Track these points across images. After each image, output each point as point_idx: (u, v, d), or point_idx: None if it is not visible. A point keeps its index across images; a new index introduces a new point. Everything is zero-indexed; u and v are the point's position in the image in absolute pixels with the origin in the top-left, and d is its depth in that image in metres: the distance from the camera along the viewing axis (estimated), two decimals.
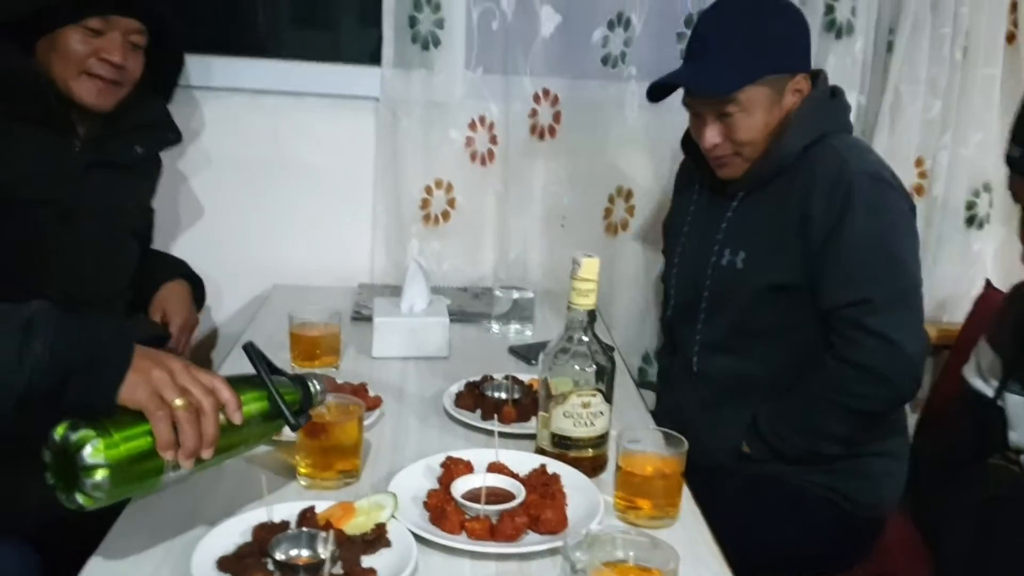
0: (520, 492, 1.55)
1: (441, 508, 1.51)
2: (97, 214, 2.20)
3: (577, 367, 1.69)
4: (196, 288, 2.54)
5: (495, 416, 1.88)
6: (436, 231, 2.91)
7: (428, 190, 2.87)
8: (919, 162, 2.90)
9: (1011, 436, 2.02)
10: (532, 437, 1.79)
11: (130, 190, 2.36)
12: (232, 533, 1.43)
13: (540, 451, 1.74)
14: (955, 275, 3.00)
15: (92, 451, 1.28)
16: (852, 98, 2.77)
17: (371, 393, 1.97)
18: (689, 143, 2.34)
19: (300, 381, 1.57)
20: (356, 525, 1.45)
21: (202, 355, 2.93)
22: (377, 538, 1.42)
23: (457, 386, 2.05)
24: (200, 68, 2.74)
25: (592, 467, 1.71)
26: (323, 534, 1.37)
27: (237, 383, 1.47)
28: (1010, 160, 1.90)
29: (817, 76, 2.19)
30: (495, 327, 2.56)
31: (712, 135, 2.12)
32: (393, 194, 2.86)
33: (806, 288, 2.08)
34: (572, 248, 1.79)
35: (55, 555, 1.69)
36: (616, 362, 1.77)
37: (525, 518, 1.49)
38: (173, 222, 2.83)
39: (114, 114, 2.22)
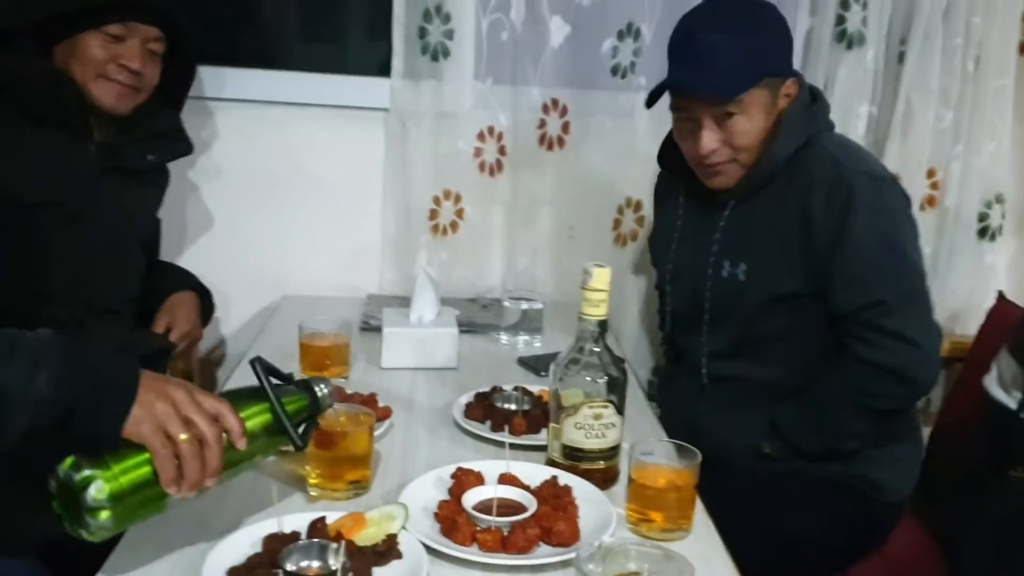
0: (531, 504, 1.54)
1: (452, 519, 1.50)
2: (107, 219, 2.20)
3: (588, 378, 1.68)
4: (204, 301, 2.53)
5: (505, 427, 1.87)
6: (444, 242, 2.90)
7: (437, 200, 2.86)
8: (931, 173, 2.88)
9: None
10: (542, 449, 1.78)
11: (140, 198, 2.36)
12: (242, 544, 1.42)
13: (551, 463, 1.73)
14: (967, 287, 2.98)
15: (95, 492, 1.29)
16: (864, 108, 2.78)
17: (381, 404, 1.96)
18: (667, 155, 2.33)
19: (306, 387, 1.56)
20: (367, 536, 1.45)
21: (211, 367, 2.93)
22: (388, 549, 1.41)
23: (467, 397, 2.05)
24: (211, 79, 2.74)
25: (604, 479, 1.70)
26: (334, 545, 1.37)
27: (242, 398, 1.47)
28: None
29: (800, 79, 2.18)
30: (504, 338, 2.55)
31: (710, 141, 2.08)
32: (402, 205, 2.85)
33: (813, 295, 2.08)
34: (581, 259, 1.79)
35: (64, 569, 1.68)
36: (627, 373, 1.76)
37: (537, 530, 1.48)
38: (182, 233, 2.83)
39: (129, 121, 2.22)
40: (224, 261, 2.82)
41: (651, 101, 2.18)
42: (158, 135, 2.32)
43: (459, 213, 2.89)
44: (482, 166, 2.87)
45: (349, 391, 1.99)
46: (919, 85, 2.80)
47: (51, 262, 2.09)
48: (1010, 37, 2.84)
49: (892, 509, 2.19)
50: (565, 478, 1.64)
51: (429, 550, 1.43)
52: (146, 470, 1.33)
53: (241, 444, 1.41)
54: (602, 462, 1.70)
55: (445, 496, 1.60)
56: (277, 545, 1.39)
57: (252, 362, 1.51)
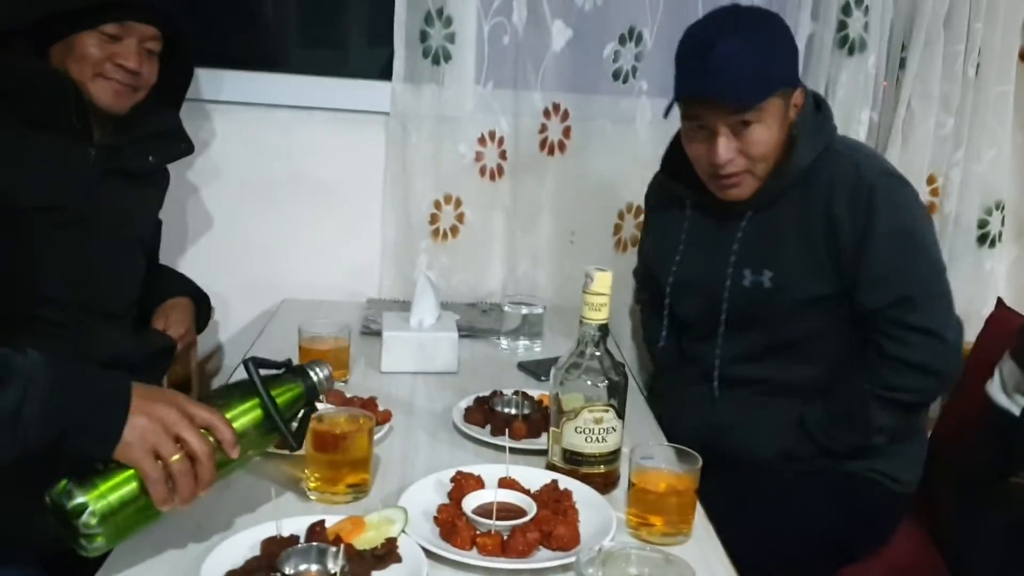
0: (531, 508, 1.53)
1: (452, 523, 1.49)
2: (108, 222, 2.18)
3: (589, 382, 1.67)
4: (201, 307, 2.52)
5: (505, 431, 1.86)
6: (445, 246, 2.90)
7: (437, 205, 2.86)
8: (931, 179, 2.89)
9: None
10: (543, 453, 1.78)
11: (141, 200, 2.34)
12: (240, 547, 1.41)
13: (551, 467, 1.73)
14: (967, 294, 2.97)
15: (88, 519, 1.31)
16: (864, 114, 2.78)
17: (380, 407, 1.96)
18: (671, 164, 2.33)
19: (301, 373, 1.56)
20: (366, 540, 1.44)
21: (210, 371, 2.92)
22: (387, 553, 1.40)
23: (466, 401, 2.04)
24: (211, 82, 2.75)
25: (604, 483, 1.69)
26: (333, 549, 1.36)
27: (235, 396, 1.48)
28: None
29: (804, 87, 2.19)
30: (504, 343, 2.55)
31: (726, 150, 2.07)
32: (402, 209, 2.85)
33: (840, 296, 2.12)
34: (581, 264, 1.78)
35: (62, 571, 1.67)
36: (628, 377, 1.76)
37: (537, 534, 1.47)
38: (182, 236, 2.83)
39: (128, 122, 2.20)
40: (224, 264, 2.82)
41: (669, 110, 2.18)
42: (158, 136, 2.30)
43: (460, 217, 2.89)
44: (483, 170, 2.87)
45: (349, 395, 1.99)
46: (920, 91, 2.81)
47: (50, 266, 2.08)
48: (1011, 43, 2.85)
49: (899, 499, 2.22)
50: (565, 482, 1.63)
51: (428, 554, 1.43)
52: (136, 486, 1.34)
53: (234, 454, 1.42)
54: (602, 466, 1.70)
55: (445, 500, 1.59)
56: (275, 549, 1.38)
57: (245, 363, 1.51)
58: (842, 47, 2.78)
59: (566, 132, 2.88)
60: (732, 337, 2.23)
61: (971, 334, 2.76)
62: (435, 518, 1.53)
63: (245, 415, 1.47)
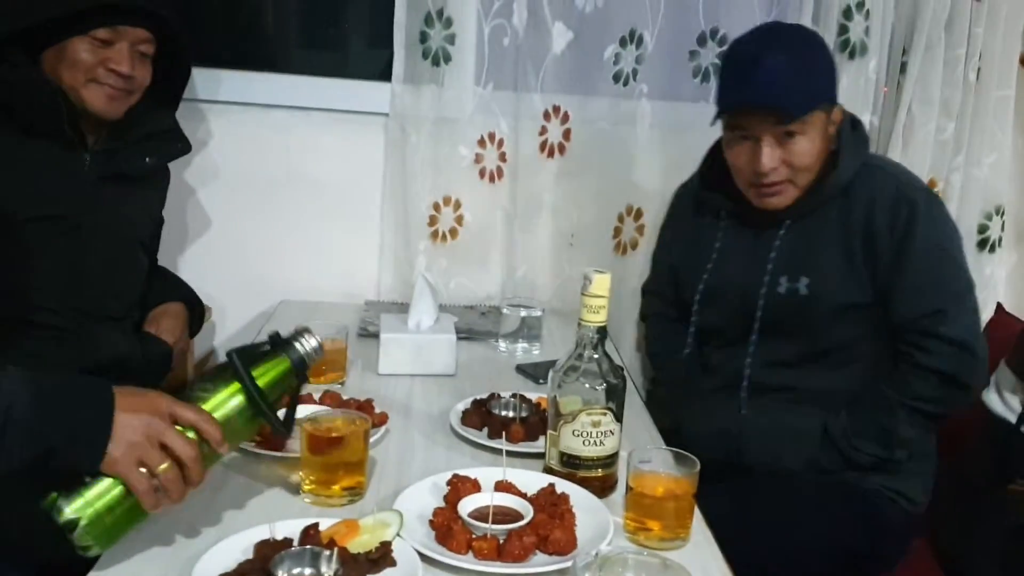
0: (528, 512, 1.52)
1: (447, 527, 1.49)
2: (107, 228, 2.18)
3: (587, 385, 1.67)
4: (194, 313, 2.50)
5: (502, 434, 1.84)
6: (444, 248, 2.89)
7: (436, 207, 2.85)
8: (931, 184, 2.86)
9: None
10: (540, 456, 1.77)
11: (140, 202, 2.33)
12: (233, 550, 1.41)
13: (548, 470, 1.72)
14: None
15: (80, 533, 1.33)
16: (865, 119, 2.76)
17: (377, 409, 1.95)
18: (710, 174, 2.36)
19: (287, 346, 1.55)
20: (360, 543, 1.43)
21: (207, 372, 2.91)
22: (381, 556, 1.39)
23: (464, 404, 2.03)
24: (210, 82, 2.74)
25: (602, 487, 1.69)
26: (326, 552, 1.35)
27: (220, 384, 1.47)
28: None
29: (842, 107, 2.25)
30: (502, 345, 2.54)
31: (770, 159, 2.11)
32: (401, 211, 2.84)
33: (874, 305, 2.15)
34: (581, 267, 1.78)
35: (53, 571, 1.66)
36: (627, 380, 1.75)
37: (533, 538, 1.46)
38: (180, 237, 2.82)
39: (122, 125, 2.19)
40: (222, 265, 2.81)
41: (717, 119, 2.20)
42: (154, 136, 2.29)
43: (458, 219, 2.88)
44: (482, 172, 2.86)
45: (345, 397, 1.99)
46: (920, 95, 2.80)
47: (47, 273, 2.07)
48: (1012, 48, 2.84)
49: (911, 520, 2.21)
50: (562, 486, 1.63)
51: (424, 558, 1.42)
52: (124, 492, 1.36)
53: (222, 450, 1.42)
54: (600, 470, 1.69)
55: (441, 503, 1.58)
56: (269, 552, 1.37)
57: (228, 354, 1.50)
58: (843, 51, 2.77)
59: (566, 134, 2.87)
60: (763, 345, 2.24)
61: None
62: (431, 521, 1.52)
63: (229, 403, 1.46)
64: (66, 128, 2.08)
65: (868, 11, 2.75)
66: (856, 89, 2.78)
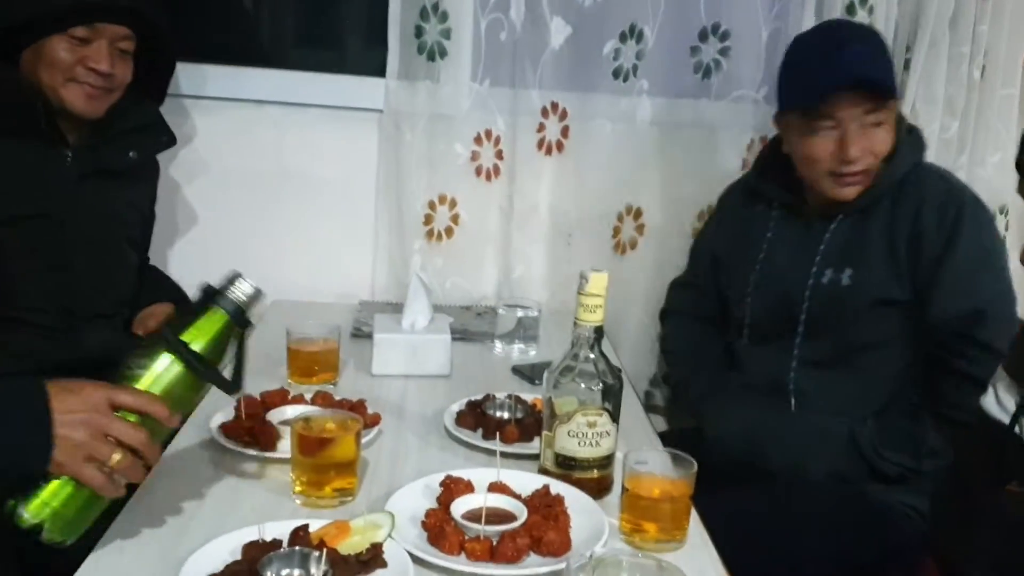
0: (522, 513, 1.51)
1: (440, 528, 1.47)
2: (92, 225, 2.16)
3: (583, 385, 1.65)
4: None
5: (497, 435, 1.83)
6: (439, 248, 2.86)
7: (431, 205, 2.82)
8: None
9: None
10: (535, 458, 1.75)
11: (126, 198, 2.31)
12: (221, 551, 1.39)
13: (543, 471, 1.70)
14: None
15: (45, 535, 1.33)
16: None
17: (370, 410, 1.92)
18: (768, 168, 2.37)
19: (220, 297, 1.52)
20: (351, 544, 1.41)
21: None
22: (372, 558, 1.37)
23: (458, 404, 2.01)
24: (203, 78, 2.71)
25: (597, 488, 1.67)
26: (316, 553, 1.33)
27: (152, 357, 1.43)
28: None
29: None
30: (498, 346, 2.51)
31: (858, 147, 2.12)
32: (395, 209, 2.81)
33: (912, 304, 2.16)
34: (578, 267, 1.75)
35: (40, 569, 1.64)
36: (623, 381, 1.72)
37: (527, 539, 1.45)
38: (171, 234, 2.79)
39: (105, 120, 2.17)
40: (213, 264, 2.69)
41: (795, 108, 2.20)
42: (138, 130, 2.27)
43: (454, 218, 2.85)
44: (479, 170, 2.83)
45: (337, 397, 1.96)
46: (924, 94, 2.78)
47: (30, 272, 2.06)
48: (1017, 46, 2.83)
49: (923, 537, 2.21)
50: (557, 487, 1.60)
51: (415, 559, 1.40)
52: (77, 485, 1.35)
53: (173, 423, 1.42)
54: (596, 471, 1.67)
55: (434, 504, 1.56)
56: (257, 553, 1.35)
57: (163, 335, 1.46)
58: None
59: (564, 132, 2.84)
60: (810, 337, 2.26)
61: None
62: (423, 523, 1.50)
63: (166, 376, 1.43)
64: (44, 128, 2.05)
65: (872, 7, 2.73)
66: None
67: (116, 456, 1.34)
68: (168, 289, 2.48)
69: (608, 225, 2.92)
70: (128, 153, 2.24)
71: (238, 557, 1.36)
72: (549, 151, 2.85)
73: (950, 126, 2.81)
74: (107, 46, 2.09)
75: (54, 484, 1.33)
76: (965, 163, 2.86)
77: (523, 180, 2.84)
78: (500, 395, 2.00)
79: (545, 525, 1.47)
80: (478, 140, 2.81)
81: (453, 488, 1.58)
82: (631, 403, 2.11)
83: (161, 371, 1.43)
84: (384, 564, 1.38)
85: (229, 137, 2.78)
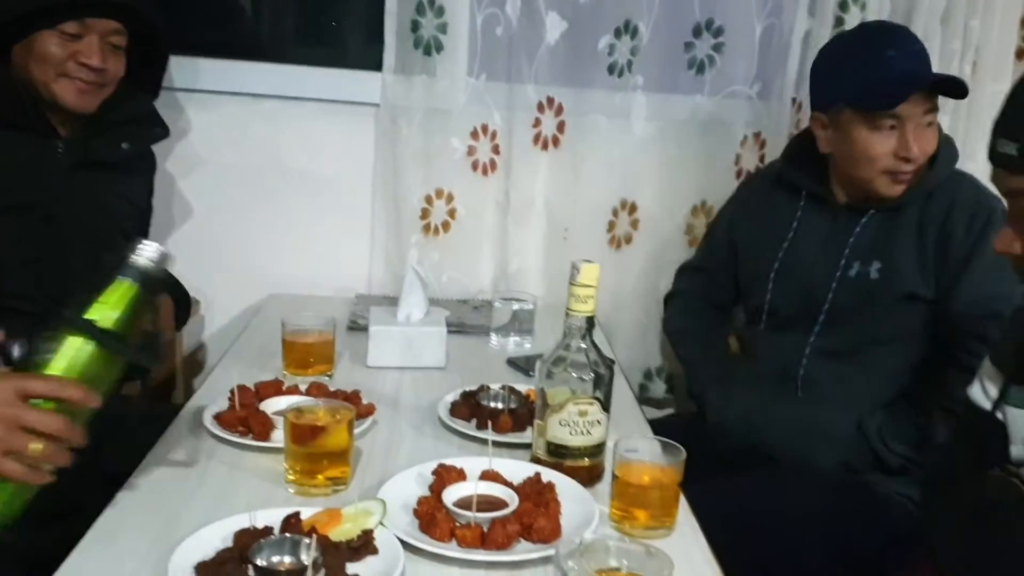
0: (513, 500, 1.52)
1: (431, 515, 1.47)
2: (84, 216, 2.16)
3: (574, 375, 1.66)
4: (180, 306, 2.47)
5: (490, 425, 1.83)
6: (436, 241, 2.87)
7: (428, 199, 2.82)
8: None
9: (1012, 450, 1.99)
10: (528, 447, 1.76)
11: (119, 189, 2.30)
12: (212, 539, 1.39)
13: (536, 460, 1.71)
14: None
15: None
16: None
17: (364, 401, 1.93)
18: (798, 159, 2.39)
19: (124, 267, 1.46)
20: (342, 531, 1.42)
21: (194, 366, 2.89)
22: (363, 545, 1.38)
23: (453, 395, 2.02)
24: (198, 71, 2.71)
25: (588, 477, 1.68)
26: (306, 540, 1.33)
27: (59, 339, 1.40)
28: (1003, 158, 1.84)
29: None
30: (494, 339, 2.52)
31: (919, 147, 2.15)
32: (392, 203, 2.82)
33: (935, 302, 2.19)
34: None
35: (32, 554, 1.65)
36: (615, 371, 1.74)
37: (517, 526, 1.45)
38: (167, 227, 2.79)
39: (97, 112, 2.17)
40: (209, 258, 2.78)
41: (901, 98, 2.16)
42: (130, 122, 2.27)
43: (451, 212, 2.86)
44: (475, 165, 2.84)
45: (332, 388, 1.97)
46: None
47: (18, 263, 2.06)
48: (1008, 41, 2.84)
49: (915, 525, 2.20)
50: (548, 475, 1.62)
51: (406, 546, 1.40)
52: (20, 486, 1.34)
53: (95, 404, 1.37)
54: (587, 459, 1.68)
55: (426, 492, 1.57)
56: (248, 540, 1.36)
57: (64, 315, 1.42)
58: None
59: (560, 127, 2.85)
60: (829, 328, 2.28)
61: None
62: (415, 510, 1.51)
63: (79, 357, 1.39)
64: (31, 121, 2.06)
65: (864, 3, 2.74)
66: None
67: (34, 446, 1.31)
68: (165, 282, 2.48)
69: (603, 219, 2.93)
70: (120, 145, 2.24)
71: (230, 544, 1.37)
72: (545, 146, 2.86)
73: (941, 121, 2.80)
74: (98, 41, 2.09)
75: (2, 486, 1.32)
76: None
77: (519, 175, 2.84)
78: (494, 386, 2.02)
79: (536, 512, 1.47)
80: (474, 135, 2.81)
81: (445, 476, 1.58)
82: (622, 392, 2.13)
83: (73, 354, 1.39)
84: (375, 551, 1.38)
85: (225, 131, 2.79)
